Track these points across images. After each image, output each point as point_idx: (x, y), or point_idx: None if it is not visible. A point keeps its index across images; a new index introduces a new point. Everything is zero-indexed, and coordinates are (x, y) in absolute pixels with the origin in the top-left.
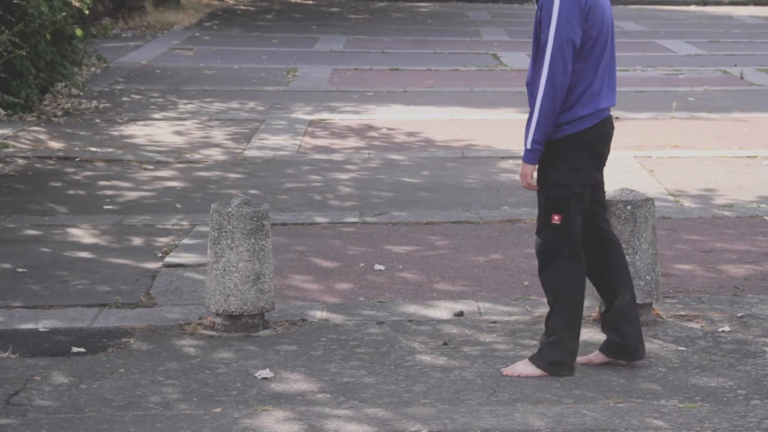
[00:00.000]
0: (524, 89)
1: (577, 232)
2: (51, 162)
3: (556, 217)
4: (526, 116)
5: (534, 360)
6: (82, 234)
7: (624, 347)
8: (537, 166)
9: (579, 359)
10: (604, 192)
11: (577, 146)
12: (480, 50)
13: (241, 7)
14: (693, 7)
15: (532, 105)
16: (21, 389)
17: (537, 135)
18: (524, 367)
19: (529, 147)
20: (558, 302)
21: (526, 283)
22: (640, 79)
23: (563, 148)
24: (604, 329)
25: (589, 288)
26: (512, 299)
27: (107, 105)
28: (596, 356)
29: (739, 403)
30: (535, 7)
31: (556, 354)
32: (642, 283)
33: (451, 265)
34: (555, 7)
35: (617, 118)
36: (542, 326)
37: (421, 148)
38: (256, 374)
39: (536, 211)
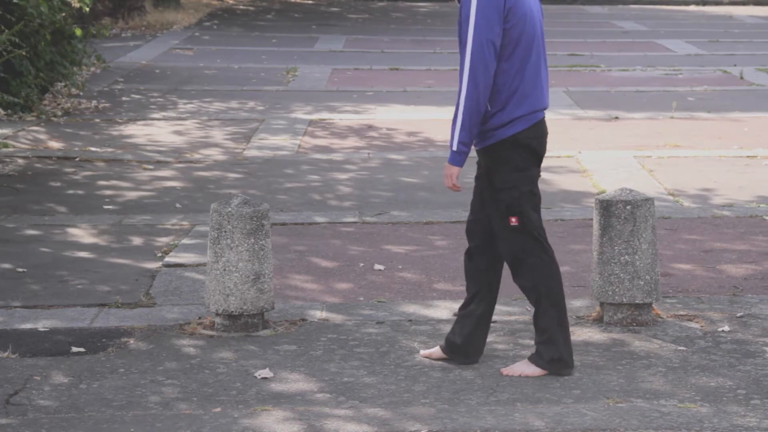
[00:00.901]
0: None
1: (538, 227)
2: (51, 162)
3: (513, 219)
4: None
5: (533, 360)
6: (81, 234)
7: (461, 349)
8: (461, 169)
9: (423, 352)
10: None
11: (516, 147)
12: None
13: (241, 7)
14: (693, 7)
15: (456, 105)
16: (21, 389)
17: (463, 136)
18: (524, 367)
19: (455, 149)
20: (541, 300)
21: None
22: (640, 79)
23: (503, 151)
24: (453, 326)
25: (588, 288)
26: (512, 299)
27: (107, 105)
28: (436, 351)
29: (739, 403)
30: (459, 6)
31: (554, 351)
32: (642, 282)
33: (450, 264)
34: (473, 7)
35: (617, 118)
36: None
37: (420, 147)
38: (256, 374)
39: None
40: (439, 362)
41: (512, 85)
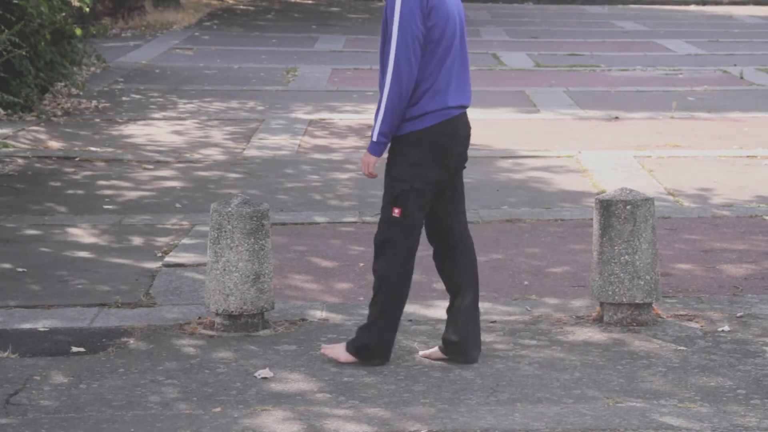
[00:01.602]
0: (523, 89)
1: (417, 227)
2: (50, 162)
3: (396, 211)
4: (526, 116)
5: (349, 345)
6: (81, 234)
7: (459, 347)
8: (379, 158)
9: (422, 353)
10: (459, 192)
11: (420, 143)
12: (480, 50)
13: (241, 7)
14: (693, 7)
15: (380, 98)
16: (21, 389)
17: (383, 127)
18: (341, 352)
19: (375, 139)
20: (380, 290)
21: (525, 283)
22: (640, 79)
23: (406, 144)
24: (446, 326)
25: (588, 288)
26: (512, 299)
27: (107, 105)
28: (435, 352)
29: (739, 403)
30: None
31: (366, 338)
32: (642, 282)
33: None
34: (397, 4)
35: (617, 118)
36: (542, 326)
37: None
38: (256, 374)
39: (536, 210)
40: (439, 362)
41: (428, 81)
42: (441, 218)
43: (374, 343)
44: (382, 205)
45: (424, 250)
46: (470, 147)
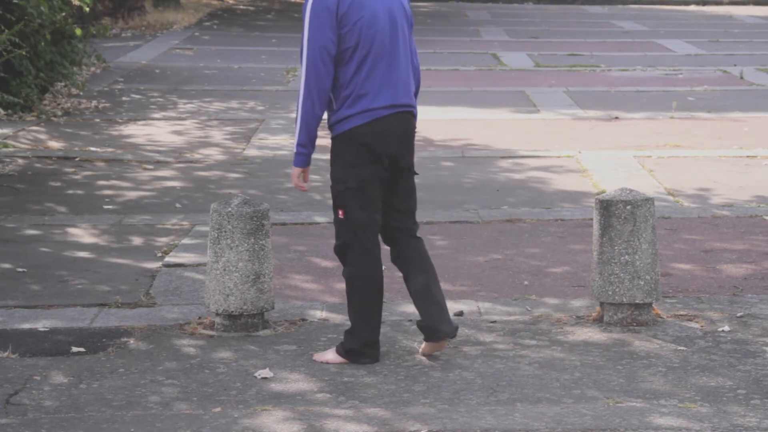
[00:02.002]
0: (522, 89)
1: (364, 225)
2: (50, 162)
3: (340, 212)
4: (526, 116)
5: (338, 348)
6: (81, 234)
7: (429, 328)
8: (305, 169)
9: (421, 351)
10: (403, 190)
11: (349, 144)
12: (480, 50)
13: (241, 7)
14: (693, 7)
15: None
16: (21, 389)
17: (301, 138)
18: (331, 355)
19: (295, 150)
20: (352, 294)
21: (525, 283)
22: (640, 79)
23: (338, 145)
24: (419, 312)
25: (588, 288)
26: (512, 299)
27: (107, 105)
28: (424, 346)
29: (739, 403)
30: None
31: (351, 342)
32: (642, 282)
33: (450, 265)
34: (307, 15)
35: (617, 117)
36: (542, 326)
37: (420, 147)
38: (256, 374)
39: (536, 210)
40: (439, 362)
41: (349, 87)
42: (385, 213)
43: (359, 346)
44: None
45: None
46: (469, 146)
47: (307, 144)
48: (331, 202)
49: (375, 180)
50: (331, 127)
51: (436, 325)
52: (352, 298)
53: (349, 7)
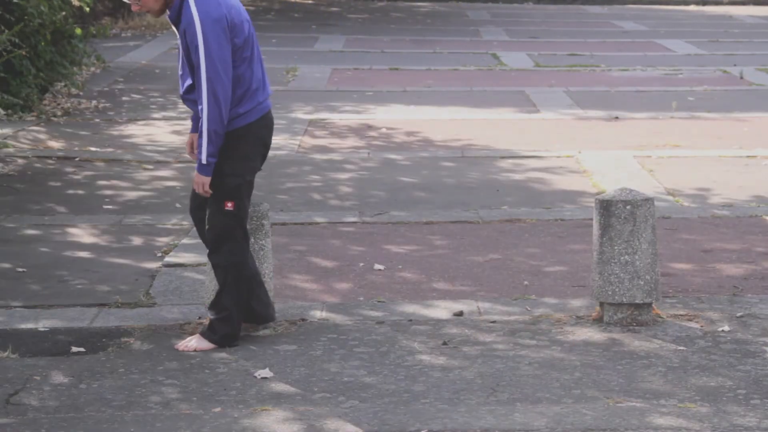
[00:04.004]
0: (523, 89)
1: (246, 216)
2: (51, 162)
3: (230, 204)
4: (526, 116)
5: (206, 335)
6: (81, 234)
7: (263, 315)
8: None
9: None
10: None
11: (246, 137)
12: (480, 50)
13: None
14: (693, 7)
15: (200, 119)
16: (21, 389)
17: (210, 150)
18: (197, 342)
19: (204, 162)
20: (229, 281)
21: (525, 282)
22: (640, 79)
23: (234, 140)
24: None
25: (588, 288)
26: (512, 299)
27: (107, 105)
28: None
29: (739, 403)
30: (176, 30)
31: (228, 328)
32: (641, 282)
33: (450, 264)
34: (198, 32)
35: (617, 117)
36: (542, 326)
37: (420, 147)
38: (256, 374)
39: (536, 210)
40: (439, 362)
41: (244, 84)
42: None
43: (235, 331)
44: (210, 201)
45: (425, 251)
46: (469, 147)
47: (216, 153)
48: (331, 202)
49: (255, 173)
50: (228, 122)
51: (267, 310)
52: (231, 287)
53: (230, 14)
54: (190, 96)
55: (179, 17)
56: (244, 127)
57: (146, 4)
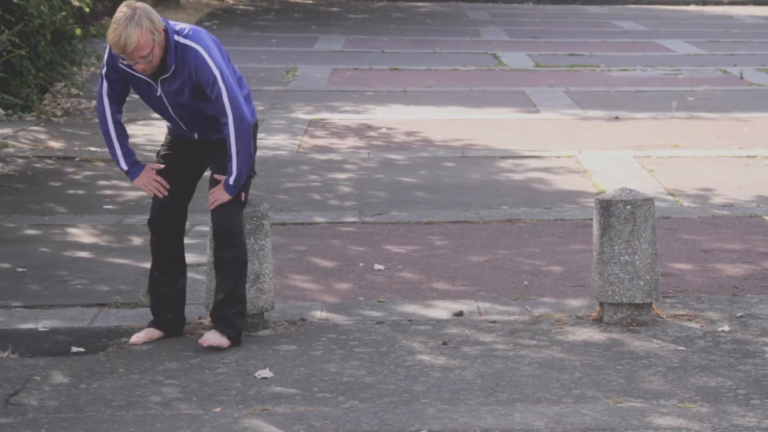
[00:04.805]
0: (523, 89)
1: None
2: (50, 162)
3: (243, 195)
4: (526, 116)
5: (223, 331)
6: (81, 234)
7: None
8: None
9: (137, 338)
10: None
11: (254, 135)
12: (480, 50)
13: (241, 7)
14: (693, 7)
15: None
16: (21, 389)
17: (241, 180)
18: (218, 337)
19: (235, 183)
20: (243, 273)
21: (525, 283)
22: (640, 79)
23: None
24: (169, 307)
25: (588, 288)
26: (512, 299)
27: None
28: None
29: (739, 403)
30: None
31: (241, 322)
32: (641, 282)
33: (450, 264)
34: (214, 68)
35: (617, 118)
36: (542, 326)
37: (420, 147)
38: (256, 374)
39: (536, 210)
40: (439, 362)
41: (244, 87)
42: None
43: (244, 326)
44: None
45: (425, 251)
46: (469, 147)
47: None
48: (331, 202)
49: None
50: None
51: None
52: (242, 280)
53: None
54: (200, 131)
55: (181, 62)
56: (255, 124)
57: (154, 61)
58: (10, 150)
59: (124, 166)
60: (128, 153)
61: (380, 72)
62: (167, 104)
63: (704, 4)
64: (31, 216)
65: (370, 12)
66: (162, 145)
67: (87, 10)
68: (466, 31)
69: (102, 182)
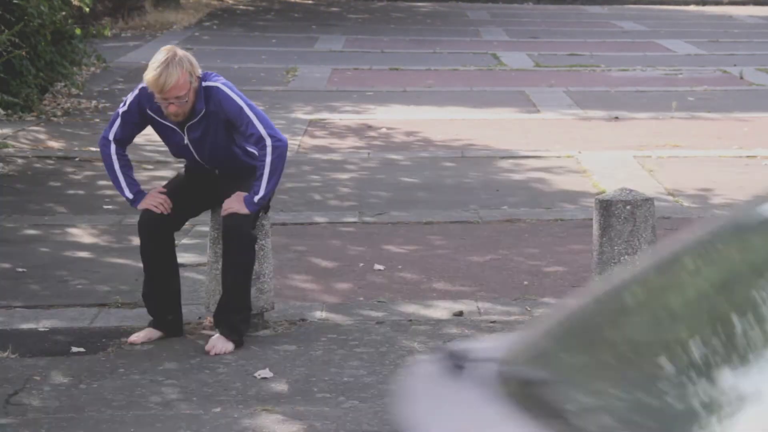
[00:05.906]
0: (523, 89)
1: None
2: (50, 162)
3: (259, 214)
4: (526, 116)
5: (230, 336)
6: (81, 234)
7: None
8: None
9: (137, 337)
10: None
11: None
12: (480, 50)
13: (241, 7)
14: (692, 7)
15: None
16: (21, 389)
17: (265, 200)
18: (223, 344)
19: (257, 201)
20: (249, 279)
21: (525, 283)
22: (640, 79)
23: None
24: (166, 309)
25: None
26: (511, 299)
27: (107, 105)
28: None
29: None
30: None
31: (246, 327)
32: None
33: (450, 264)
34: (233, 96)
35: (617, 118)
36: None
37: (420, 147)
38: (256, 374)
39: (536, 210)
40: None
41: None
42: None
43: (247, 331)
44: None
45: (425, 251)
46: (469, 147)
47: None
48: (331, 202)
49: None
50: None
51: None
52: (248, 286)
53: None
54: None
55: (207, 103)
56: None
57: (188, 104)
58: (10, 150)
59: (129, 195)
60: (132, 183)
61: (380, 72)
62: (192, 150)
63: (704, 4)
64: (31, 216)
65: (370, 12)
66: (176, 176)
67: (87, 10)
68: (466, 31)
69: (102, 182)
